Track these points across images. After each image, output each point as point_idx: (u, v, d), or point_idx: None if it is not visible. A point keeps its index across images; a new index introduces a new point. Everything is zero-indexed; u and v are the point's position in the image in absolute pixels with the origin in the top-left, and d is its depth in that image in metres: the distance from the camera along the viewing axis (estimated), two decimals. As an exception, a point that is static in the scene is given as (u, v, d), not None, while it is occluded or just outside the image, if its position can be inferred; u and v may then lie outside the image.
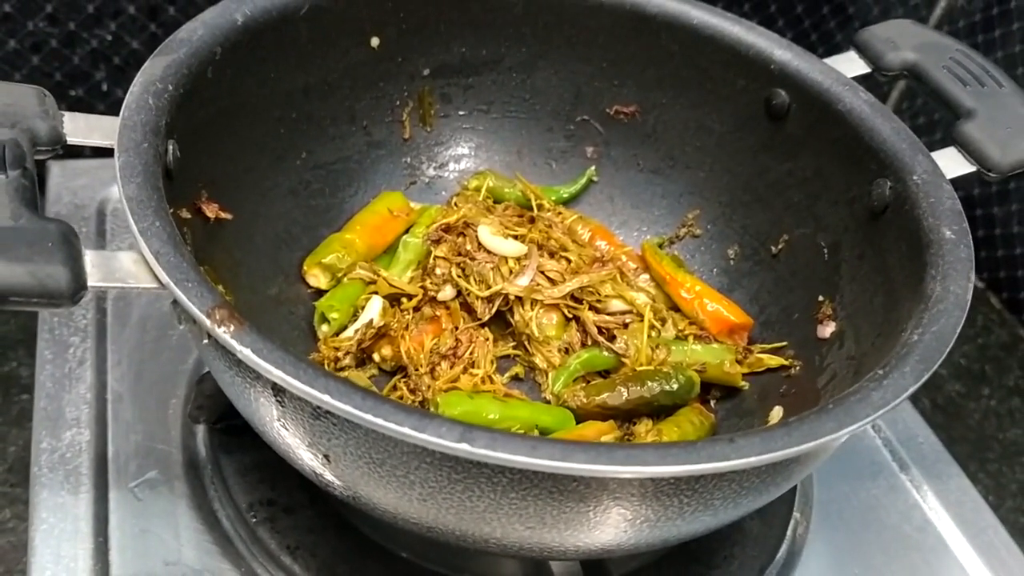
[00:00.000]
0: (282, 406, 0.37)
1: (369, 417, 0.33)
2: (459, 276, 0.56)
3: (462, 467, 0.35)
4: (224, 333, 0.35)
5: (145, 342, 0.57)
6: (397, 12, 0.57)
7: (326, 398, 0.33)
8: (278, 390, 0.36)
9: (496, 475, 0.35)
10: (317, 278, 0.56)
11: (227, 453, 0.51)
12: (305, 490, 0.50)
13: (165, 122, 0.43)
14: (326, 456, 0.38)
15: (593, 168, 0.64)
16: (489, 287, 0.56)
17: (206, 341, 0.38)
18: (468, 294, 0.56)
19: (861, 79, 0.56)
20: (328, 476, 0.39)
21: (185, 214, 0.45)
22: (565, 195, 0.63)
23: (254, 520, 0.49)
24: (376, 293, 0.56)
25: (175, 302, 0.37)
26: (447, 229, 0.58)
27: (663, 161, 0.62)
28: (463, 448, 0.33)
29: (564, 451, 0.33)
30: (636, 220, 0.64)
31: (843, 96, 0.54)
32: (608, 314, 0.57)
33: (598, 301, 0.57)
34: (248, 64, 0.51)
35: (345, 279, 0.56)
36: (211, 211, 0.48)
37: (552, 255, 0.58)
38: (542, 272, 0.57)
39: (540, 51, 0.61)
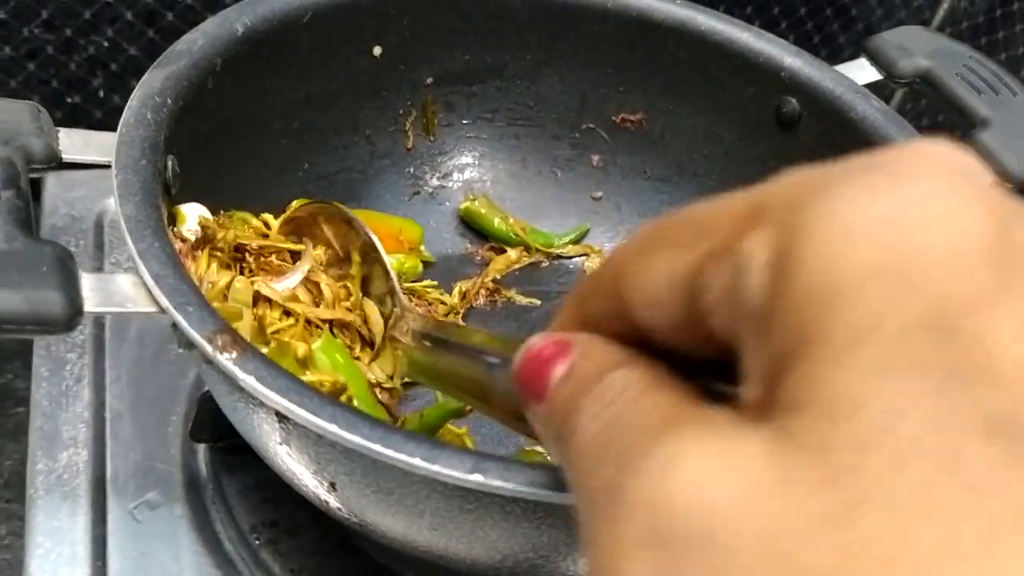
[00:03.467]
0: (287, 433, 0.36)
1: (378, 448, 0.32)
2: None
3: (474, 497, 0.34)
4: (226, 360, 0.33)
5: (144, 357, 0.56)
6: (400, 20, 0.56)
7: (332, 428, 0.32)
8: (282, 417, 0.35)
9: (510, 504, 0.34)
10: None
11: (229, 473, 0.50)
12: (309, 511, 0.48)
13: (164, 137, 0.42)
14: (332, 484, 0.37)
15: (588, 225, 0.63)
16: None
17: (207, 366, 0.37)
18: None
19: (869, 86, 0.55)
20: (334, 503, 0.38)
21: (185, 231, 0.44)
22: (555, 242, 0.62)
23: (257, 542, 0.48)
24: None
25: (175, 326, 0.35)
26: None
27: (671, 169, 0.61)
28: (476, 479, 0.31)
29: (580, 482, 0.31)
30: (643, 230, 0.62)
31: (855, 104, 0.53)
32: None
33: None
34: (249, 75, 0.50)
35: None
36: (212, 227, 0.47)
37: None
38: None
39: (545, 58, 0.60)
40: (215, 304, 0.39)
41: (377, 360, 0.47)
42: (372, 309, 0.48)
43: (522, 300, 0.60)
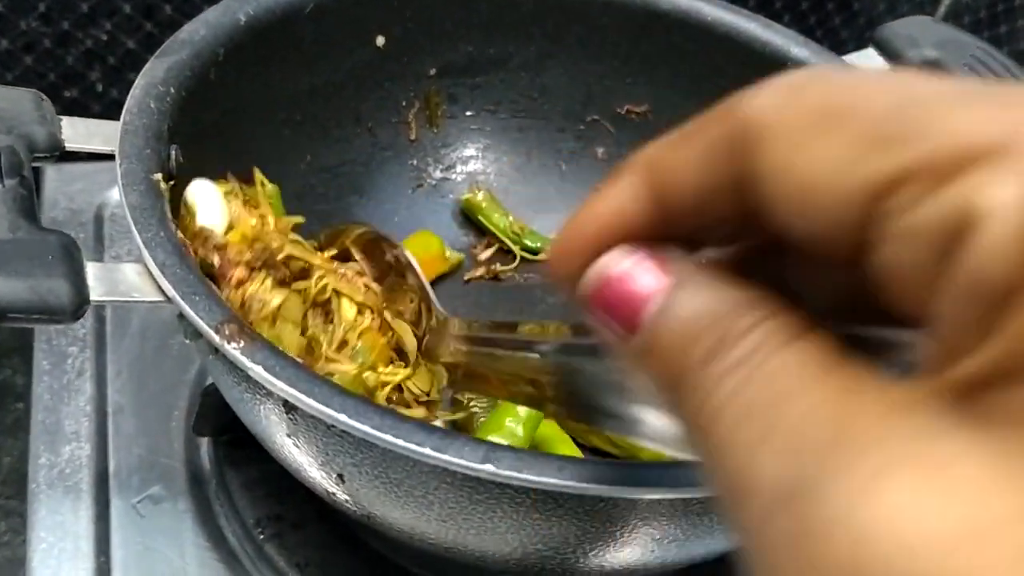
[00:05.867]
0: (294, 424, 0.36)
1: (388, 437, 0.31)
2: None
3: (484, 487, 0.33)
4: (234, 349, 0.33)
5: (146, 351, 0.55)
6: (403, 11, 0.55)
7: (342, 417, 0.32)
8: (290, 407, 0.35)
9: (520, 495, 0.33)
10: None
11: (232, 466, 0.50)
12: (314, 504, 0.48)
13: (167, 126, 0.42)
14: (340, 476, 0.36)
15: None
16: None
17: (213, 356, 0.36)
18: None
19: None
20: (342, 496, 0.38)
21: (188, 221, 0.44)
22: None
23: (261, 536, 0.47)
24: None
25: (182, 316, 0.35)
26: None
27: (676, 162, 0.61)
28: (487, 469, 0.31)
29: (593, 472, 0.31)
30: (648, 222, 0.62)
31: (863, 95, 0.52)
32: None
33: None
34: (252, 65, 0.49)
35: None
36: (215, 218, 0.46)
37: None
38: None
39: (549, 49, 0.60)
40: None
41: (413, 377, 0.46)
42: (404, 330, 0.46)
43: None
